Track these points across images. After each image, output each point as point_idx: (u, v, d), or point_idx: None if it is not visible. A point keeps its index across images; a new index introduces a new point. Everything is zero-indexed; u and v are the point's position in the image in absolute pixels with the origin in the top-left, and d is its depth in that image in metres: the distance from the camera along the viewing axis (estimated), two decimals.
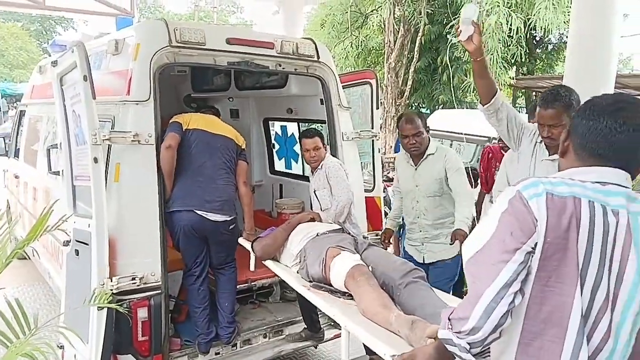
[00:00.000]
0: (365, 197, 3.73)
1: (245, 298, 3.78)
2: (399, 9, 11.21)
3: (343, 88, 3.66)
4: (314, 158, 3.45)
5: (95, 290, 2.45)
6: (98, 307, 2.36)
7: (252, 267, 3.40)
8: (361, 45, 12.95)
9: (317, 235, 2.96)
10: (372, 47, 13.33)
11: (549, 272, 1.18)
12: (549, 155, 2.61)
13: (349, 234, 3.13)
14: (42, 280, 4.87)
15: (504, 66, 10.09)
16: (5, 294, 1.81)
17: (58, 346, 2.66)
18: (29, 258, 5.05)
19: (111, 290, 2.51)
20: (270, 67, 3.37)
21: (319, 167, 3.47)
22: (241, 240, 3.42)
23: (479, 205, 4.71)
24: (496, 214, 1.23)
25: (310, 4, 13.08)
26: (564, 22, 8.91)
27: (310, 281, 2.70)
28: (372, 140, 3.84)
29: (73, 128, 2.77)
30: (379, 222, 3.79)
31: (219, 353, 3.18)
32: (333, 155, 3.58)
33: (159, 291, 2.72)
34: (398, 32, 11.37)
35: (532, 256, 1.18)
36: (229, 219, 3.18)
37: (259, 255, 3.19)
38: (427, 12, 10.90)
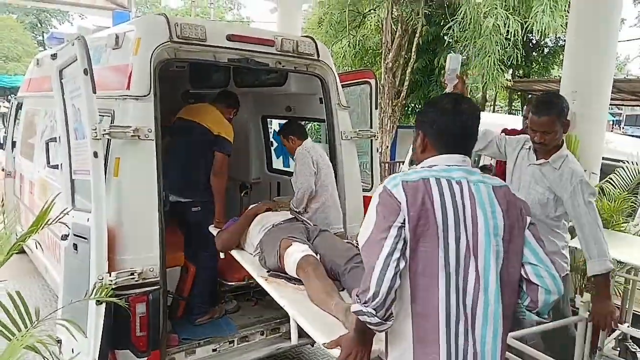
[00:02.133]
0: (363, 196, 3.74)
1: (242, 295, 3.78)
2: (397, 9, 11.20)
3: (342, 87, 3.66)
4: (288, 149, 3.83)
5: (95, 285, 2.44)
6: (97, 301, 2.35)
7: (221, 255, 3.46)
8: (358, 45, 12.89)
9: (273, 226, 3.13)
10: (370, 47, 13.28)
11: (418, 236, 1.51)
12: (537, 159, 2.74)
13: (302, 222, 3.25)
14: (37, 274, 4.85)
15: (501, 68, 10.10)
16: (7, 285, 1.80)
17: (56, 340, 2.65)
18: (26, 252, 5.03)
19: (110, 285, 2.51)
20: (270, 64, 3.36)
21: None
22: (211, 228, 3.51)
23: None
24: (373, 207, 1.56)
25: (308, 2, 13.07)
26: (561, 26, 8.94)
27: (268, 271, 2.87)
28: (371, 140, 3.85)
29: (72, 122, 2.75)
30: None
31: (216, 350, 3.18)
32: (331, 155, 3.61)
33: (158, 287, 2.72)
34: (395, 32, 11.34)
35: (404, 229, 1.51)
36: (183, 200, 3.40)
37: (219, 249, 3.35)
38: (424, 13, 10.89)
